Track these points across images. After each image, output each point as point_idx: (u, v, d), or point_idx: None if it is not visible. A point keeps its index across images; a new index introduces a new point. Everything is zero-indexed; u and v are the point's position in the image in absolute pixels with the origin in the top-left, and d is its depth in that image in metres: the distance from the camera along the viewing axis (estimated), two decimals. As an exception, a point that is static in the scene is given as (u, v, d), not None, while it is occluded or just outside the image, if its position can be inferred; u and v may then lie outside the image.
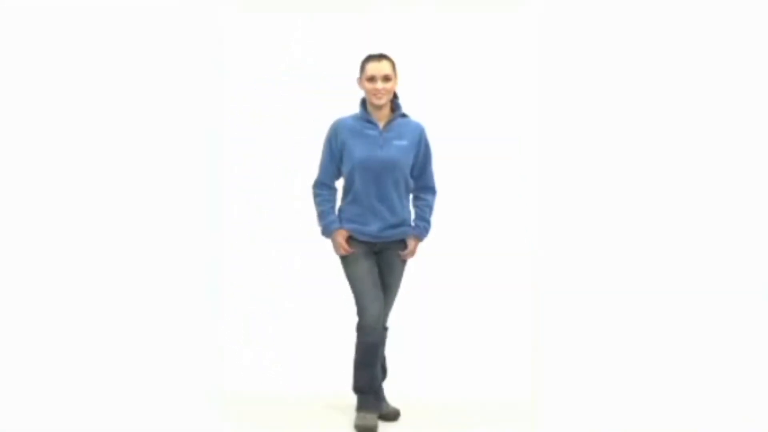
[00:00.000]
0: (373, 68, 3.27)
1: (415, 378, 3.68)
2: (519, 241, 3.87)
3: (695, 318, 3.30)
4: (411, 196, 3.42)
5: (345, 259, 3.40)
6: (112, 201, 3.26)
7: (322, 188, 3.43)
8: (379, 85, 3.26)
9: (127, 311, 3.28)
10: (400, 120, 3.35)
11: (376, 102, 3.27)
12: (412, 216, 3.42)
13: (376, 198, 3.34)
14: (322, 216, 3.40)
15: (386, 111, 3.33)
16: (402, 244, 3.39)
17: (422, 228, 3.42)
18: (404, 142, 3.32)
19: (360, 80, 3.33)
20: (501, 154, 3.87)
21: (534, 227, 3.64)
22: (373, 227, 3.36)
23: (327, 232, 3.40)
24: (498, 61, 3.83)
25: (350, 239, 3.37)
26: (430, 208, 3.43)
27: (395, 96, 3.36)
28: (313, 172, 3.37)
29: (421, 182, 3.42)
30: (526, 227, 3.77)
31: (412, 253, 3.41)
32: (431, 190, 3.44)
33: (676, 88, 3.29)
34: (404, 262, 3.43)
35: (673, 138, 3.31)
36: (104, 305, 3.26)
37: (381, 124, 3.32)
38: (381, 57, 3.30)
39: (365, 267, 3.37)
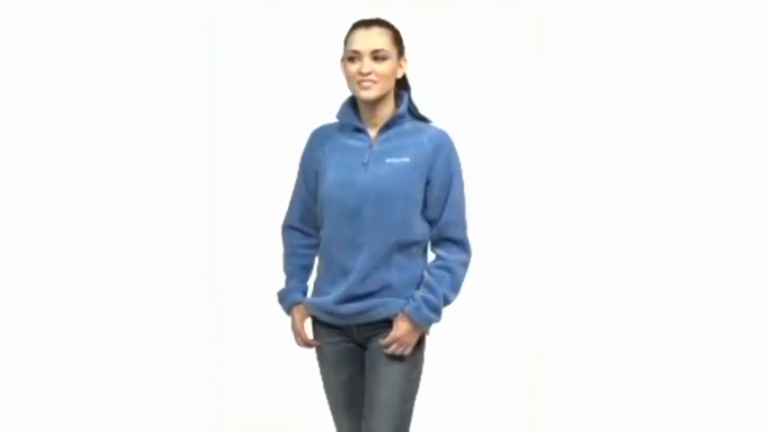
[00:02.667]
0: (357, 40, 2.11)
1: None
2: (517, 244, 3.85)
3: (696, 335, 3.30)
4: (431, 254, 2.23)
5: (316, 352, 2.29)
6: (110, 203, 3.26)
7: (289, 234, 2.30)
8: (366, 66, 2.08)
9: (127, 316, 3.28)
10: (404, 125, 2.16)
11: (364, 95, 2.10)
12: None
13: (351, 250, 2.12)
14: (286, 279, 2.32)
15: (385, 111, 2.16)
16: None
17: (420, 302, 2.09)
18: (404, 160, 2.11)
19: (343, 62, 2.16)
20: (498, 155, 3.84)
21: (530, 231, 3.65)
22: (329, 297, 2.15)
23: (284, 305, 2.30)
24: (493, 62, 3.79)
25: (317, 323, 2.24)
26: (451, 273, 2.13)
27: (405, 87, 2.21)
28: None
29: (440, 230, 2.16)
30: (522, 232, 3.77)
31: (400, 342, 2.08)
32: (457, 244, 2.16)
33: (672, 88, 3.31)
34: (400, 358, 2.11)
35: (670, 138, 3.32)
36: (104, 308, 3.26)
37: (374, 132, 2.17)
38: (371, 23, 2.12)
39: (332, 376, 2.22)
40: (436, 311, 2.12)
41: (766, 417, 3.23)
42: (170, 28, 3.32)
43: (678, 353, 3.30)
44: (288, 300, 2.28)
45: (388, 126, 2.17)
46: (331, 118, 2.43)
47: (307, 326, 2.31)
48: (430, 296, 2.10)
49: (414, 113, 2.22)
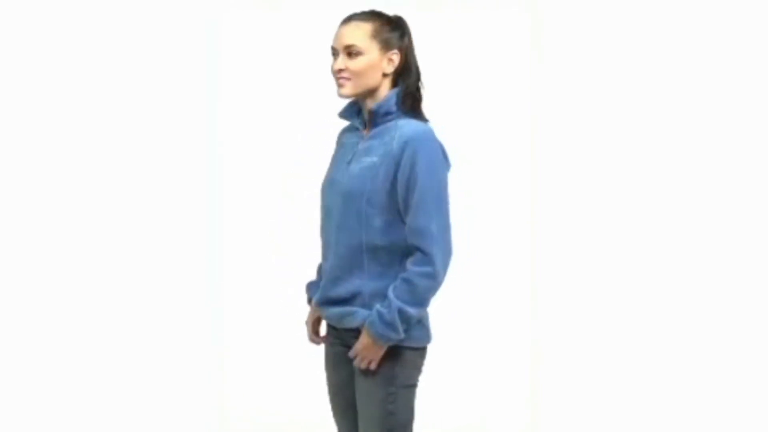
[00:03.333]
0: (335, 36, 2.07)
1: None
2: (517, 244, 3.84)
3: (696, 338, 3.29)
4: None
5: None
6: (109, 203, 3.26)
7: None
8: (338, 62, 2.03)
9: (127, 316, 3.27)
10: (389, 122, 2.05)
11: (339, 93, 2.05)
12: None
13: (325, 251, 2.12)
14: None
15: (373, 108, 2.07)
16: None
17: (375, 316, 1.97)
18: (373, 159, 2.01)
19: None
20: (498, 155, 3.83)
21: (530, 231, 3.65)
22: (316, 297, 2.14)
23: (307, 298, 2.29)
24: (493, 62, 3.78)
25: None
26: (410, 285, 1.95)
27: (404, 81, 2.07)
28: (314, 173, 2.46)
29: (408, 236, 1.99)
30: (522, 232, 3.76)
31: (362, 356, 2.01)
32: (422, 254, 1.96)
33: (672, 88, 3.30)
34: (372, 371, 2.02)
35: (669, 138, 3.31)
36: (104, 309, 3.25)
37: (366, 129, 2.12)
38: (351, 18, 2.06)
39: (331, 378, 2.21)
40: (392, 327, 1.95)
41: (766, 417, 3.23)
42: (170, 28, 3.31)
43: (678, 353, 3.30)
44: (308, 294, 2.27)
45: (373, 123, 2.08)
46: (331, 118, 2.43)
47: (324, 323, 2.31)
48: (384, 310, 1.96)
49: (406, 110, 2.07)
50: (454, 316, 3.77)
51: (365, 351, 2.00)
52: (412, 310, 1.96)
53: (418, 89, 2.10)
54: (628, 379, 3.34)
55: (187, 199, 3.37)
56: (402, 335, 1.98)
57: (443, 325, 2.69)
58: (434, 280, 1.97)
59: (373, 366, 2.01)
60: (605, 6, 3.35)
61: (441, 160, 2.01)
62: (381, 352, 2.00)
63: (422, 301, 1.98)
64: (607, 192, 3.37)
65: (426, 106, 2.21)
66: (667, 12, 3.29)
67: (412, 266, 1.96)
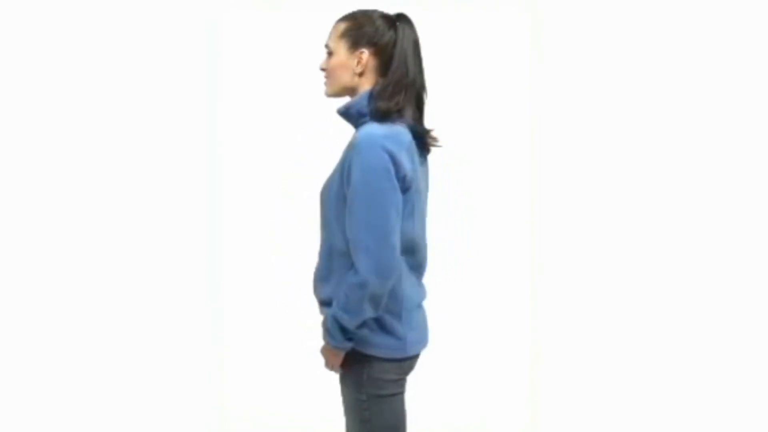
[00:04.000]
0: None
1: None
2: (517, 244, 3.83)
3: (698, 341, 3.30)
4: None
5: None
6: (109, 202, 3.26)
7: None
8: (321, 62, 2.07)
9: (128, 316, 3.27)
10: (360, 126, 1.99)
11: (325, 91, 2.08)
12: None
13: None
14: None
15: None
16: None
17: (324, 321, 1.99)
18: (337, 164, 1.99)
19: None
20: (498, 155, 3.82)
21: (530, 231, 3.65)
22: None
23: None
24: (493, 62, 3.77)
25: None
26: (345, 293, 1.89)
27: (380, 83, 1.97)
28: (314, 173, 2.52)
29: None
30: (522, 232, 3.75)
31: (325, 359, 2.03)
32: (356, 268, 1.88)
33: (672, 88, 3.30)
34: (342, 376, 2.03)
35: (669, 138, 3.31)
36: (105, 309, 3.25)
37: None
38: (337, 19, 2.07)
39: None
40: (330, 333, 1.93)
41: (765, 417, 3.23)
42: (170, 28, 3.32)
43: (677, 353, 3.30)
44: None
45: (354, 125, 2.04)
46: (331, 118, 2.42)
47: None
48: (327, 316, 1.96)
49: (373, 111, 1.96)
50: (455, 316, 3.79)
51: (324, 353, 2.01)
52: (345, 318, 1.90)
53: (405, 89, 1.96)
54: (628, 378, 3.34)
55: (187, 199, 3.37)
56: (341, 342, 1.93)
57: (443, 324, 2.69)
58: (362, 290, 1.87)
59: (335, 370, 2.02)
60: (605, 6, 3.35)
61: (379, 167, 1.85)
62: (337, 357, 1.98)
63: (355, 310, 1.89)
64: (607, 192, 3.37)
65: (426, 106, 2.19)
66: (667, 12, 3.29)
67: (349, 275, 1.90)
